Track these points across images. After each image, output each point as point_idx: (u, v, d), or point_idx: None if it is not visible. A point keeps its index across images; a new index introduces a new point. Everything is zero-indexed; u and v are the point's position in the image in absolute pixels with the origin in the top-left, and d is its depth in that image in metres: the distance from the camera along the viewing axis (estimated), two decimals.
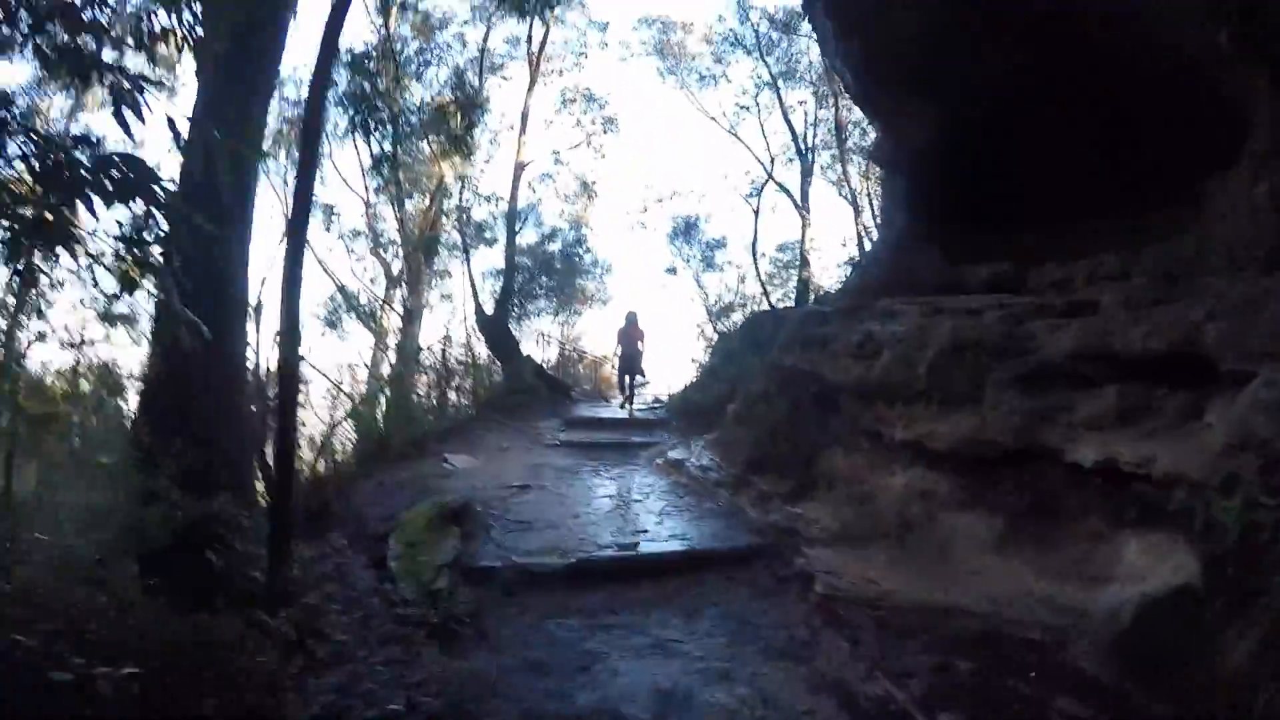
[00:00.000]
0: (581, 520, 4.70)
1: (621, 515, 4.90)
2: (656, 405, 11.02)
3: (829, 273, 13.91)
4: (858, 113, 15.13)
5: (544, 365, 13.47)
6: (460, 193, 13.30)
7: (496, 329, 10.99)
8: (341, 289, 17.99)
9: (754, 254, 13.35)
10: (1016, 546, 3.51)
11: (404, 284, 16.67)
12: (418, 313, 15.26)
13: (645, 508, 5.14)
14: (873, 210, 13.31)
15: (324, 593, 3.65)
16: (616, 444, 7.78)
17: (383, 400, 8.59)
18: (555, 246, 15.46)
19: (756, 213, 13.56)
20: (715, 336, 13.13)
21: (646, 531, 4.43)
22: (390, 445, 7.18)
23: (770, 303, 11.53)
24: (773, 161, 14.31)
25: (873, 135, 13.81)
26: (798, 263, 13.55)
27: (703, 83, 15.31)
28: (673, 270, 15.73)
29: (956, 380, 4.23)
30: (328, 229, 18.40)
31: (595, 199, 15.98)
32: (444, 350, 10.40)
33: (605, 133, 15.11)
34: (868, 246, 12.96)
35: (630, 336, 9.68)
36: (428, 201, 15.45)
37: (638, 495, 5.52)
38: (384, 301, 18.14)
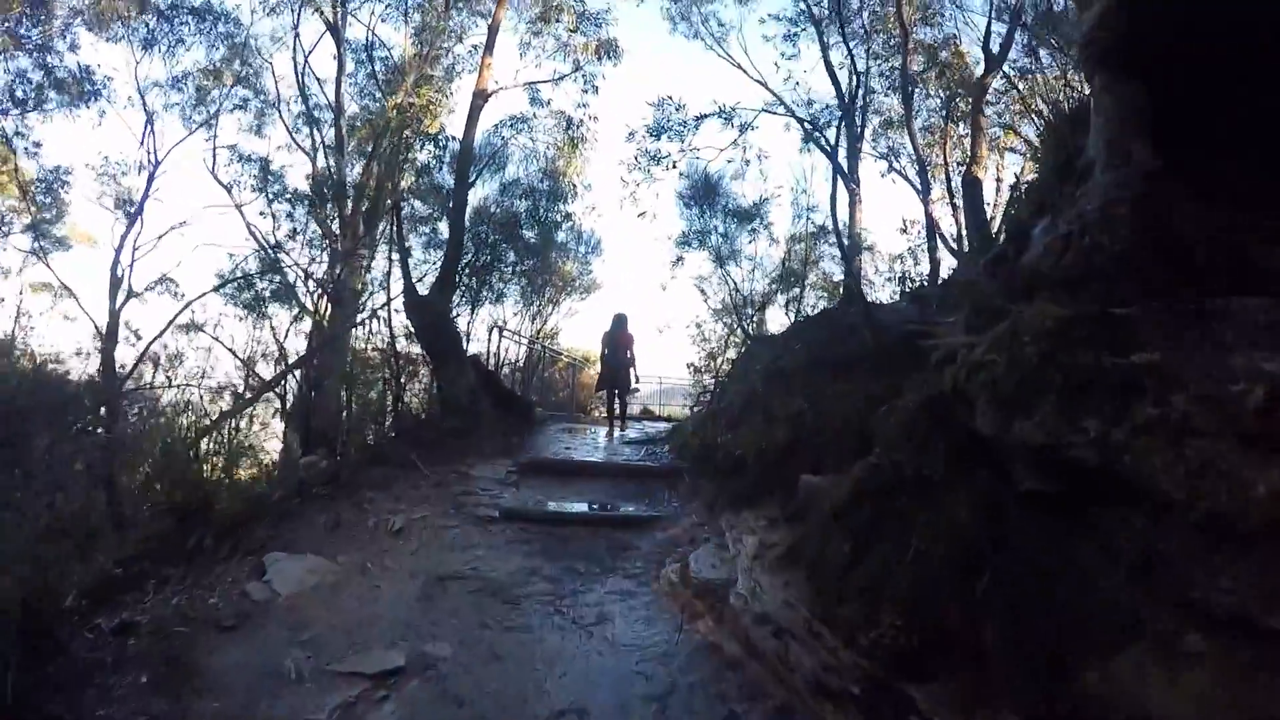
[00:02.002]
0: None
1: None
2: (656, 435, 7.91)
3: (880, 265, 10.99)
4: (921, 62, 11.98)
5: (499, 369, 10.26)
6: (400, 129, 9.82)
7: (431, 317, 7.76)
8: (275, 259, 14.61)
9: (833, 206, 9.70)
10: None
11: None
12: (347, 294, 11.90)
13: None
14: (949, 183, 10.33)
15: None
16: (596, 520, 4.66)
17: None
18: (524, 206, 11.31)
19: (834, 149, 9.79)
20: (742, 342, 9.60)
21: None
22: (199, 519, 4.12)
23: (859, 292, 7.77)
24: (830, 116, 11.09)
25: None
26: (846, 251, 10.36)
27: (724, 29, 12.06)
28: (688, 242, 11.05)
29: None
30: (261, 190, 15.12)
31: (583, 147, 11.62)
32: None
33: (601, 60, 10.80)
34: (937, 236, 9.91)
35: (618, 343, 8.04)
36: (372, 148, 12.13)
37: (639, 711, 2.43)
38: (319, 281, 14.78)
